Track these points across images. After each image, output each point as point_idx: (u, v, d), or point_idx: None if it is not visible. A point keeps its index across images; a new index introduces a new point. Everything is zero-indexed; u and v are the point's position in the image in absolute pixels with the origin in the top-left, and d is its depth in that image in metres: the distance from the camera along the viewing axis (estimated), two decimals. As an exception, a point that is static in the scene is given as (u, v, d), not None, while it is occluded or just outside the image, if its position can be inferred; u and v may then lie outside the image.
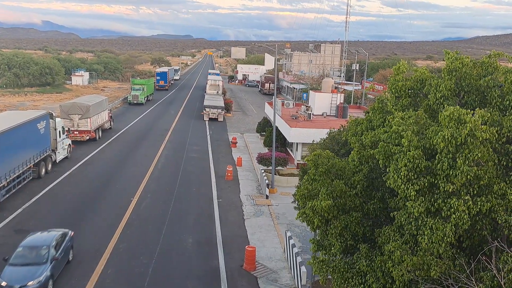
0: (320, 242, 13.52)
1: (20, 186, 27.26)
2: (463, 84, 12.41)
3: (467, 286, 9.75)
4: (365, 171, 12.99)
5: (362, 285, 11.53)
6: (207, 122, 58.11)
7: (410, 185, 10.40)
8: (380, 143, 11.50)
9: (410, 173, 10.41)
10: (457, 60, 12.38)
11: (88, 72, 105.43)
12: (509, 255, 9.64)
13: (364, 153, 12.71)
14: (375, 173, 13.01)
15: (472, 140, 9.94)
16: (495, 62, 12.81)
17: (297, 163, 35.18)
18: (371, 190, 12.96)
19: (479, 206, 10.03)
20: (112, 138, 45.10)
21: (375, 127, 13.94)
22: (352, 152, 13.35)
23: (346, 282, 11.92)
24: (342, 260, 12.39)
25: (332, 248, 12.76)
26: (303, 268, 17.24)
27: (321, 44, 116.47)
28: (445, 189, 10.07)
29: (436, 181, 10.34)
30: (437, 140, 10.24)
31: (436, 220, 10.05)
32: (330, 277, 12.67)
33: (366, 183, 12.91)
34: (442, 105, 12.21)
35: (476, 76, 12.49)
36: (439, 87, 12.23)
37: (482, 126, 10.04)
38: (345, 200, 12.53)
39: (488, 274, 9.75)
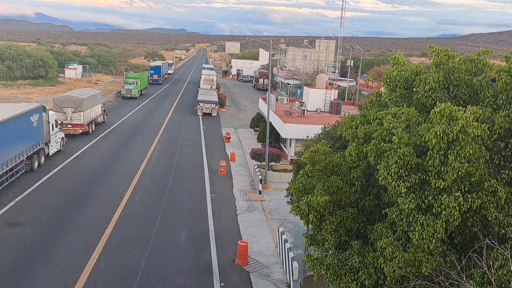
0: (313, 237, 13.54)
1: (12, 179, 27.11)
2: (452, 78, 12.50)
3: (457, 282, 9.82)
4: (362, 167, 13.00)
5: (354, 282, 11.58)
6: (200, 117, 58.01)
7: (401, 182, 10.43)
8: (372, 141, 11.53)
9: (401, 170, 10.45)
10: (441, 52, 12.45)
11: (81, 65, 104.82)
12: (499, 252, 9.71)
13: (362, 149, 12.73)
14: (371, 169, 13.05)
15: (463, 136, 9.99)
16: (484, 59, 12.87)
17: (291, 159, 35.23)
18: (367, 186, 13.00)
19: (469, 203, 10.09)
20: (106, 132, 44.93)
21: (370, 120, 13.96)
22: (349, 146, 13.33)
23: (339, 278, 11.97)
24: (335, 257, 12.43)
25: (326, 243, 12.79)
26: (295, 263, 17.30)
27: (316, 40, 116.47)
28: (436, 185, 10.13)
29: (427, 178, 10.40)
30: (429, 137, 10.29)
31: (427, 216, 10.11)
32: (323, 273, 12.72)
33: (364, 180, 12.92)
34: (430, 98, 12.28)
35: (464, 70, 12.57)
36: (427, 80, 12.32)
37: (474, 123, 10.09)
38: (341, 196, 12.55)
39: (479, 270, 9.83)
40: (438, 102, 11.65)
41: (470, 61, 12.83)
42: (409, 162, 10.44)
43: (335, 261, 12.22)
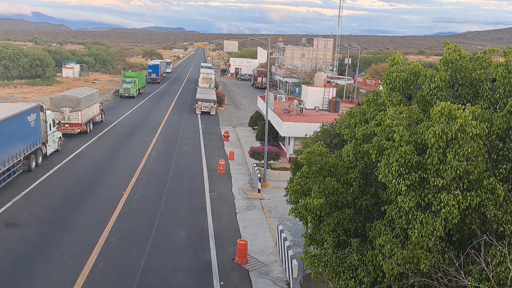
0: (313, 237, 13.55)
1: (10, 179, 27.06)
2: (458, 77, 12.46)
3: (456, 279, 9.85)
4: (360, 167, 12.97)
5: (353, 279, 11.58)
6: (199, 116, 57.98)
7: (401, 180, 10.42)
8: (374, 138, 11.50)
9: (401, 168, 10.45)
10: (455, 52, 12.37)
11: (79, 65, 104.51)
12: (498, 249, 9.73)
13: (360, 149, 12.69)
14: (369, 169, 13.02)
15: (462, 135, 10.00)
16: (489, 58, 12.84)
17: (289, 157, 35.24)
18: (365, 186, 12.99)
19: (468, 201, 10.10)
20: (104, 131, 44.89)
21: (368, 120, 13.94)
22: (346, 146, 13.28)
23: (338, 276, 11.97)
24: (333, 255, 12.43)
25: (325, 243, 12.81)
26: (295, 262, 17.32)
27: (314, 38, 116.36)
28: (435, 183, 10.14)
29: (426, 176, 10.40)
30: (428, 136, 10.30)
31: (426, 214, 10.12)
32: (321, 270, 12.73)
33: (362, 181, 12.89)
34: (435, 96, 12.25)
35: (471, 69, 12.53)
36: (434, 78, 12.27)
37: (473, 122, 10.10)
38: (337, 197, 12.55)
39: (477, 267, 9.84)
40: (440, 100, 11.63)
41: (476, 59, 12.76)
42: (410, 160, 10.44)
43: (333, 258, 12.23)
